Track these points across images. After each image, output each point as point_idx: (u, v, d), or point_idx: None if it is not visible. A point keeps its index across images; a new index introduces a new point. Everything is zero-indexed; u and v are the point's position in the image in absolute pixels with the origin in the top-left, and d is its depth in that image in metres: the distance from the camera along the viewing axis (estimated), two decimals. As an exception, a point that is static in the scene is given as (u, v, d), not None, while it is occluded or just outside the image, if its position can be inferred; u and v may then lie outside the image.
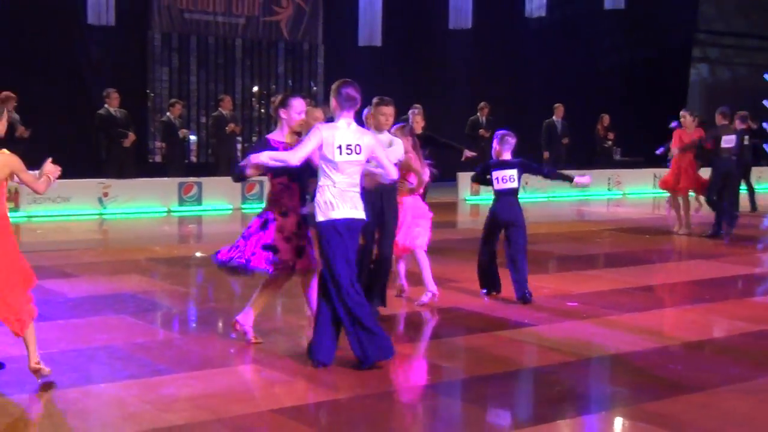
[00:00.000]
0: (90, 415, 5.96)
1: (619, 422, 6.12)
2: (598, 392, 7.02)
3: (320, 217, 6.97)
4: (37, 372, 6.28)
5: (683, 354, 7.74)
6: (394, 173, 7.38)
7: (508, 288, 9.73)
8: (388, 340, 7.02)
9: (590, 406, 6.63)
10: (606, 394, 6.91)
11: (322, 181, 7.00)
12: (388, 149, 7.85)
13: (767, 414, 6.13)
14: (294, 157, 6.90)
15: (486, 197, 19.30)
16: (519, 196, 9.70)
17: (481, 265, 9.78)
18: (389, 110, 8.20)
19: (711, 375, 7.06)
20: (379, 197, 8.13)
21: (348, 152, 6.97)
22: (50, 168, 6.46)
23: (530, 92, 23.07)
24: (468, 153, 12.86)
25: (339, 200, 6.95)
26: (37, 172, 6.45)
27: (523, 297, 9.35)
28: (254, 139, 21.81)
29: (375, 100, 8.23)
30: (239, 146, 20.04)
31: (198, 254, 12.91)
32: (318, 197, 7.02)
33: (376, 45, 21.25)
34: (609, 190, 22.43)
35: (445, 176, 19.07)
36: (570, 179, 10.01)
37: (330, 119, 7.56)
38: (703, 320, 8.99)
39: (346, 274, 6.92)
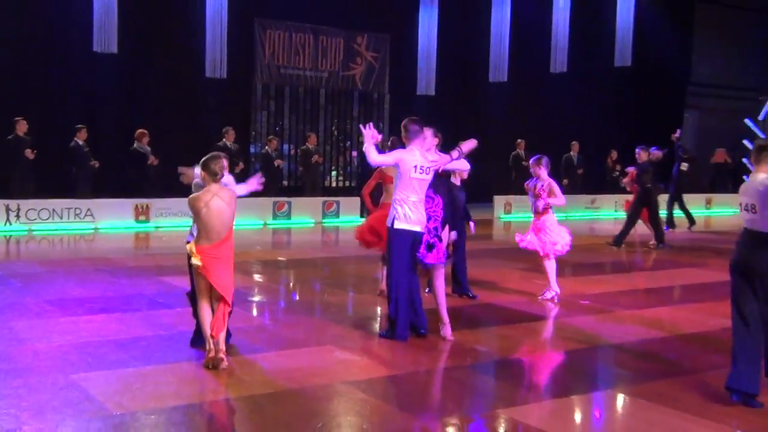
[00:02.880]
0: (199, 383, 6.01)
1: (621, 398, 6.01)
2: (605, 373, 6.92)
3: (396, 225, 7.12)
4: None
5: (676, 344, 7.60)
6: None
7: (530, 285, 9.64)
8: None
9: (598, 384, 6.54)
10: (612, 375, 6.81)
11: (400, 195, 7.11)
12: None
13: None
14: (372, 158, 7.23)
15: (516, 216, 19.18)
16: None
17: None
18: None
19: (699, 361, 6.93)
20: None
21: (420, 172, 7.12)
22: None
23: (552, 132, 22.83)
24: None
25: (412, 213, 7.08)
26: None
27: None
28: (333, 167, 21.95)
29: None
30: (323, 172, 20.34)
31: (281, 258, 12.95)
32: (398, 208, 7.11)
33: (431, 94, 21.28)
34: (615, 211, 22.08)
35: (482, 198, 19.05)
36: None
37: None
38: (693, 317, 8.79)
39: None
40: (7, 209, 14.77)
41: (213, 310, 6.39)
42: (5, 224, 14.74)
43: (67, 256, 12.64)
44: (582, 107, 23.87)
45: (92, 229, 15.37)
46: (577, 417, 5.66)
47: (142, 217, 15.96)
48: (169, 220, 16.07)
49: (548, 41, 22.45)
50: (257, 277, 10.88)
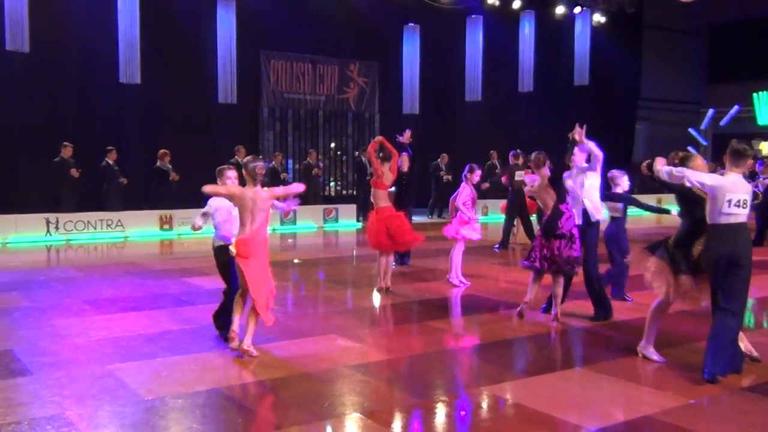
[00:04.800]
0: (219, 370, 5.99)
1: (589, 374, 6.01)
2: (573, 353, 6.92)
3: None
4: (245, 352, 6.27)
5: (636, 326, 7.59)
6: None
7: (506, 278, 9.63)
8: None
9: (568, 362, 6.54)
10: (579, 355, 6.82)
11: None
12: None
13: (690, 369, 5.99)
14: None
15: (492, 218, 19.18)
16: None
17: None
18: None
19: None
20: None
21: None
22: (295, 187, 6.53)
23: (521, 144, 22.74)
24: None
25: None
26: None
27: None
28: (331, 179, 21.89)
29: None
30: (323, 183, 20.35)
31: (296, 261, 12.92)
32: None
33: (415, 113, 21.25)
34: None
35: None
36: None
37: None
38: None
39: None
40: (48, 222, 14.74)
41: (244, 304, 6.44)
42: (46, 235, 14.70)
43: (101, 261, 12.60)
44: (547, 121, 23.84)
45: (122, 237, 15.33)
46: (550, 391, 5.66)
47: (166, 226, 15.94)
48: (189, 228, 16.03)
49: (516, 65, 22.52)
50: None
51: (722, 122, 12.05)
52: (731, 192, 5.52)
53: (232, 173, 6.63)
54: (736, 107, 11.76)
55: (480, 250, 13.53)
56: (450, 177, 19.00)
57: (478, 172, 9.78)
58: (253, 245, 6.17)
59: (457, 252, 9.62)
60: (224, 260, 6.65)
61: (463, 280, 9.73)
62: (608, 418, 4.94)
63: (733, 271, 5.54)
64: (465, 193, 9.52)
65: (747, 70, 28.21)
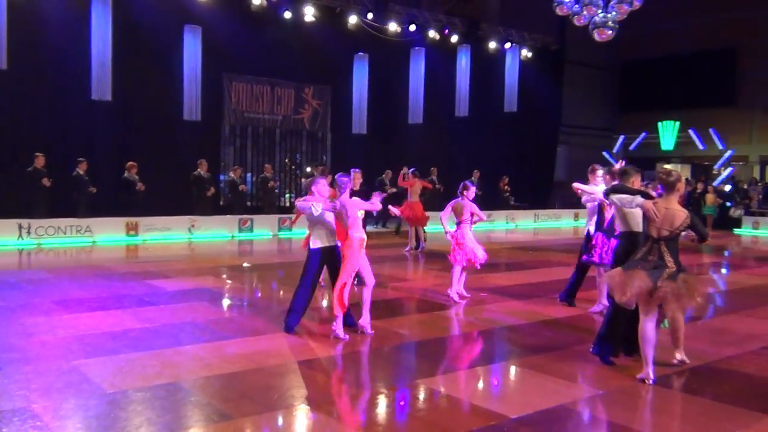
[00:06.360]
0: (180, 366, 5.88)
1: (512, 369, 6.09)
2: (500, 350, 6.99)
3: None
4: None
5: (553, 326, 7.72)
6: None
7: (443, 281, 9.66)
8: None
9: (495, 358, 6.60)
10: (505, 351, 6.88)
11: None
12: None
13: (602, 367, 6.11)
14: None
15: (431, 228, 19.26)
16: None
17: None
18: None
19: (570, 339, 7.06)
20: None
21: None
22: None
23: (458, 162, 23.06)
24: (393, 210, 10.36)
25: None
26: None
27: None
28: (286, 191, 21.70)
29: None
30: (278, 195, 20.16)
31: (245, 264, 12.77)
32: None
33: (363, 133, 21.32)
34: (507, 223, 22.46)
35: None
36: None
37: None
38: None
39: None
40: (20, 227, 14.28)
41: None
42: (18, 239, 14.23)
43: (70, 264, 12.25)
44: (480, 143, 24.22)
45: (91, 242, 14.95)
46: (479, 384, 5.71)
47: (132, 232, 15.61)
48: (154, 234, 15.79)
49: (453, 92, 22.82)
50: (227, 279, 10.71)
51: (632, 147, 12.44)
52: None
53: (321, 180, 7.18)
54: (643, 134, 12.12)
55: (415, 255, 13.61)
56: (394, 190, 19.04)
57: (473, 189, 9.12)
58: (348, 244, 6.68)
59: (456, 270, 8.99)
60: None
61: (464, 293, 9.16)
62: (527, 407, 5.00)
63: None
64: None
65: (653, 101, 29.16)
